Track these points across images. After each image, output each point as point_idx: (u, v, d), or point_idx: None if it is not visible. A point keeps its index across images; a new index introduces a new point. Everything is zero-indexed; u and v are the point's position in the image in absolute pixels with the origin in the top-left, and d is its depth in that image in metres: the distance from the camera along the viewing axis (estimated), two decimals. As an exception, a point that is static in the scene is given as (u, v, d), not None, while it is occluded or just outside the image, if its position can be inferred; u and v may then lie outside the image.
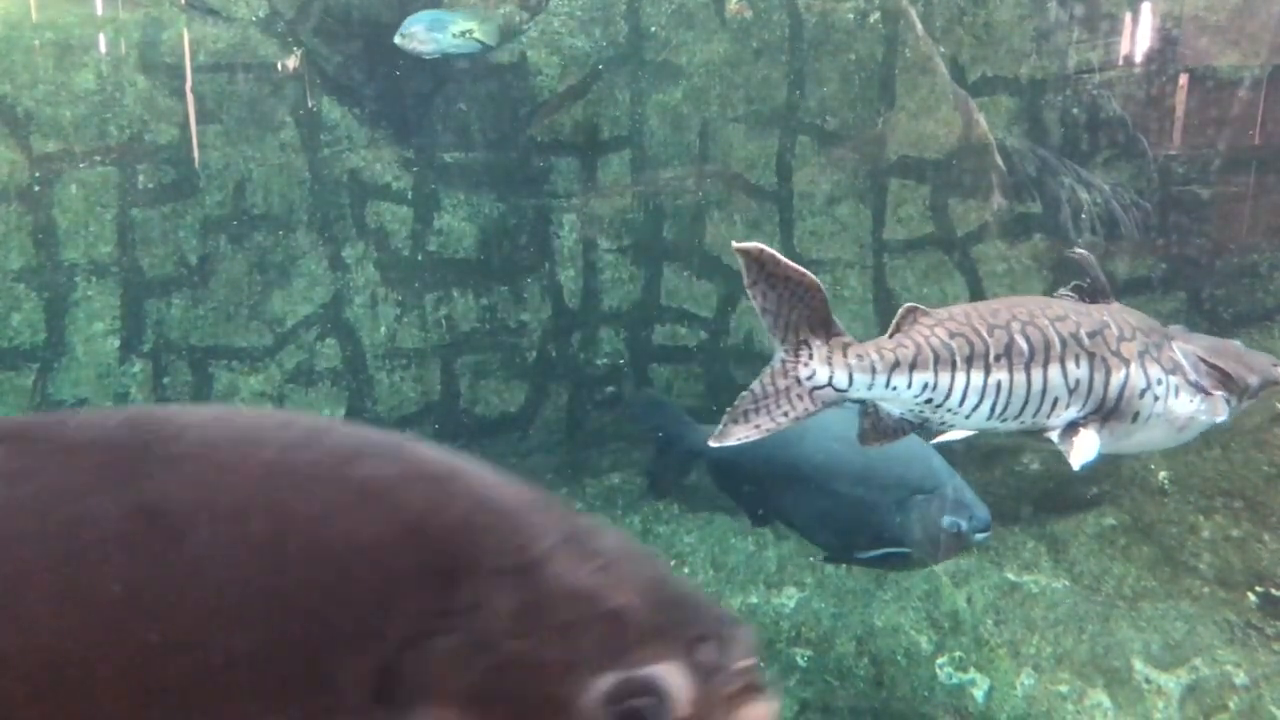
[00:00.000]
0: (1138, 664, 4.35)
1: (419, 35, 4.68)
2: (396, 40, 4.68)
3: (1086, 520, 4.96)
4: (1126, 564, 4.80)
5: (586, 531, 1.01)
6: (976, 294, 4.96)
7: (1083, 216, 5.00)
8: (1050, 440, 2.89)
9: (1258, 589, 4.56)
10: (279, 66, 4.94)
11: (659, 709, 0.92)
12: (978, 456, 4.83)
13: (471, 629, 0.92)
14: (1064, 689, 4.30)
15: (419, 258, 5.06)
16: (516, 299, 5.12)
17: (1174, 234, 5.13)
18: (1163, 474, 4.92)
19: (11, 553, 0.93)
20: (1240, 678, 4.27)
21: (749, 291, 2.57)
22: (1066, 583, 4.76)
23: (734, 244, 2.54)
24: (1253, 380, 3.06)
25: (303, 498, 0.96)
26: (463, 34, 4.71)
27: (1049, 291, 4.79)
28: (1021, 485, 4.98)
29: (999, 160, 4.99)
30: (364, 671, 0.90)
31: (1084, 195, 5.01)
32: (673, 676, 0.93)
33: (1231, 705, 4.21)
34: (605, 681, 0.92)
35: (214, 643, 0.90)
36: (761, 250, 2.51)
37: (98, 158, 4.74)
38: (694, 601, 1.00)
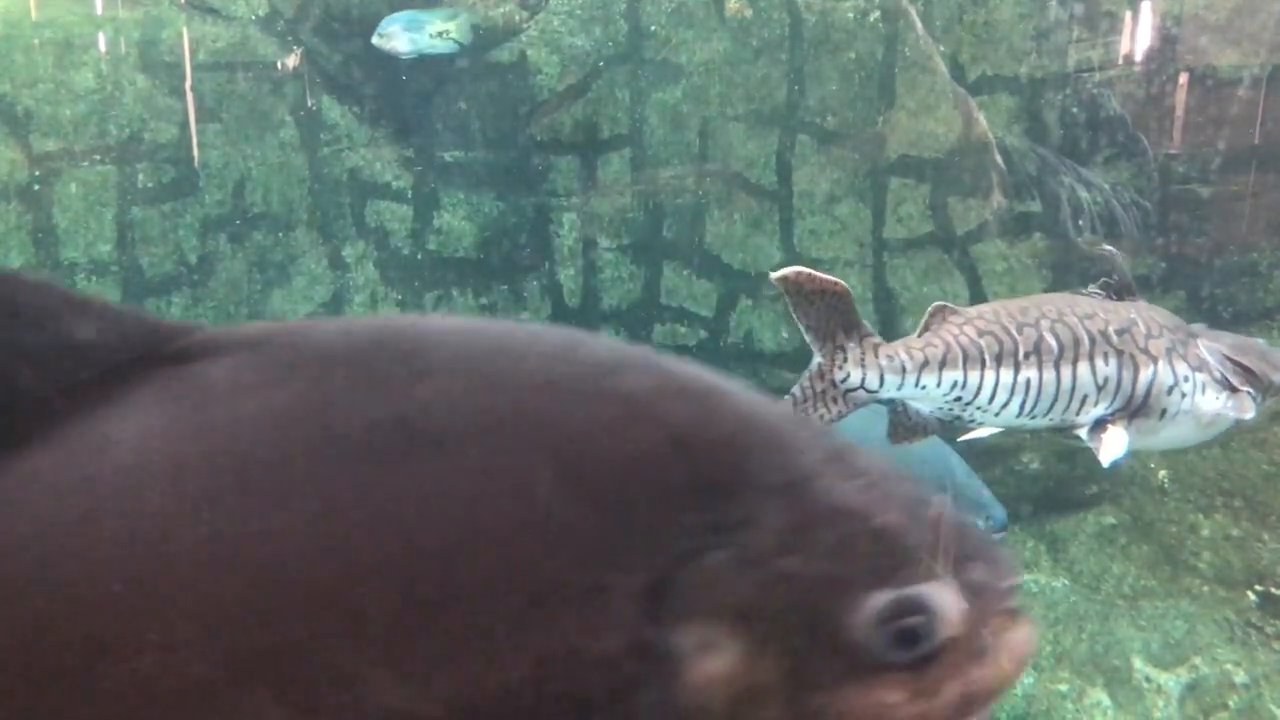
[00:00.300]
0: (1137, 663, 4.36)
1: (396, 35, 4.68)
2: (374, 40, 4.69)
3: (1086, 519, 4.96)
4: (1126, 563, 4.81)
5: (847, 449, 0.98)
6: (976, 293, 4.96)
7: (1082, 216, 5.00)
8: (1079, 437, 2.91)
9: (1257, 588, 4.56)
10: (279, 65, 4.94)
11: (930, 627, 0.90)
12: (978, 455, 4.83)
13: (741, 546, 0.89)
14: (1064, 688, 4.30)
15: (419, 257, 5.07)
16: (516, 298, 5.12)
17: (1174, 233, 5.13)
18: (1162, 473, 4.93)
19: (260, 467, 0.90)
20: (1240, 676, 4.28)
21: (793, 315, 2.64)
22: (1066, 582, 4.76)
23: (773, 275, 2.62)
24: (1276, 378, 3.08)
25: (567, 411, 0.92)
26: (439, 34, 4.71)
27: (1049, 289, 4.80)
28: (1021, 484, 4.99)
29: (999, 159, 4.99)
30: (634, 588, 0.87)
31: (1084, 194, 5.02)
32: (944, 595, 0.91)
33: (1231, 704, 4.21)
34: (877, 600, 0.89)
35: (480, 559, 0.87)
36: (798, 273, 2.59)
37: (97, 157, 4.74)
38: (958, 521, 0.98)
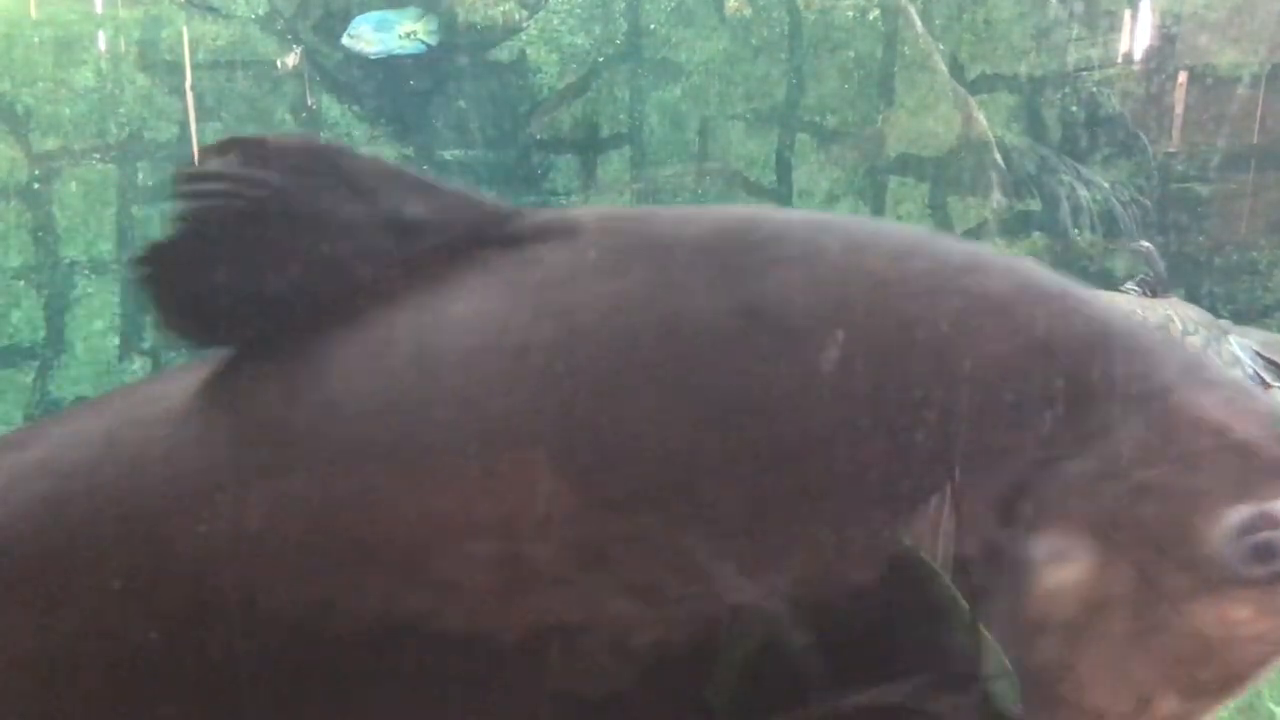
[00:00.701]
0: (1136, 661, 4.36)
1: (365, 35, 4.67)
2: (345, 41, 4.68)
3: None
4: (1125, 561, 4.81)
5: (1200, 362, 0.96)
6: (976, 291, 4.96)
7: (1082, 214, 5.00)
8: None
9: (1256, 586, 4.56)
10: (278, 64, 4.94)
11: None
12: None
13: (1100, 454, 0.86)
14: (1063, 686, 4.30)
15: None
16: (516, 296, 5.12)
17: (1173, 231, 5.13)
18: (1162, 471, 4.93)
19: (605, 354, 0.87)
20: (1239, 674, 4.28)
21: None
22: (1065, 580, 4.76)
23: None
24: None
25: (923, 307, 0.89)
26: (408, 34, 4.71)
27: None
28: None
29: (998, 158, 4.99)
30: (990, 492, 0.84)
31: (1083, 193, 5.02)
32: None
33: (1231, 702, 4.21)
34: (1236, 514, 0.87)
35: (828, 454, 0.84)
36: None
37: (97, 155, 4.74)
38: None
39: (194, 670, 0.87)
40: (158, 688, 0.88)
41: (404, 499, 0.86)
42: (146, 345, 4.81)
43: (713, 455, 0.85)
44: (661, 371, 0.87)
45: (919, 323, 0.88)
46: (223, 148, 0.93)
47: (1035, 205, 5.06)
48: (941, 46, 5.01)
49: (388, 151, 5.04)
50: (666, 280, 0.90)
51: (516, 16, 5.03)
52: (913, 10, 4.97)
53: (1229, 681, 0.91)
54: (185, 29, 4.79)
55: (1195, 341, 2.97)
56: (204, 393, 0.93)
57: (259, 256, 0.92)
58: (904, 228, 0.99)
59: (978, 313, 0.90)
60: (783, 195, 5.04)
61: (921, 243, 0.97)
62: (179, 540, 0.88)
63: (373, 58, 4.73)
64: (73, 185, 4.71)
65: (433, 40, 4.80)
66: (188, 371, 0.96)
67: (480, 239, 0.94)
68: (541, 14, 5.02)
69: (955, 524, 0.84)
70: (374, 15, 4.72)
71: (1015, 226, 5.06)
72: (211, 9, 4.86)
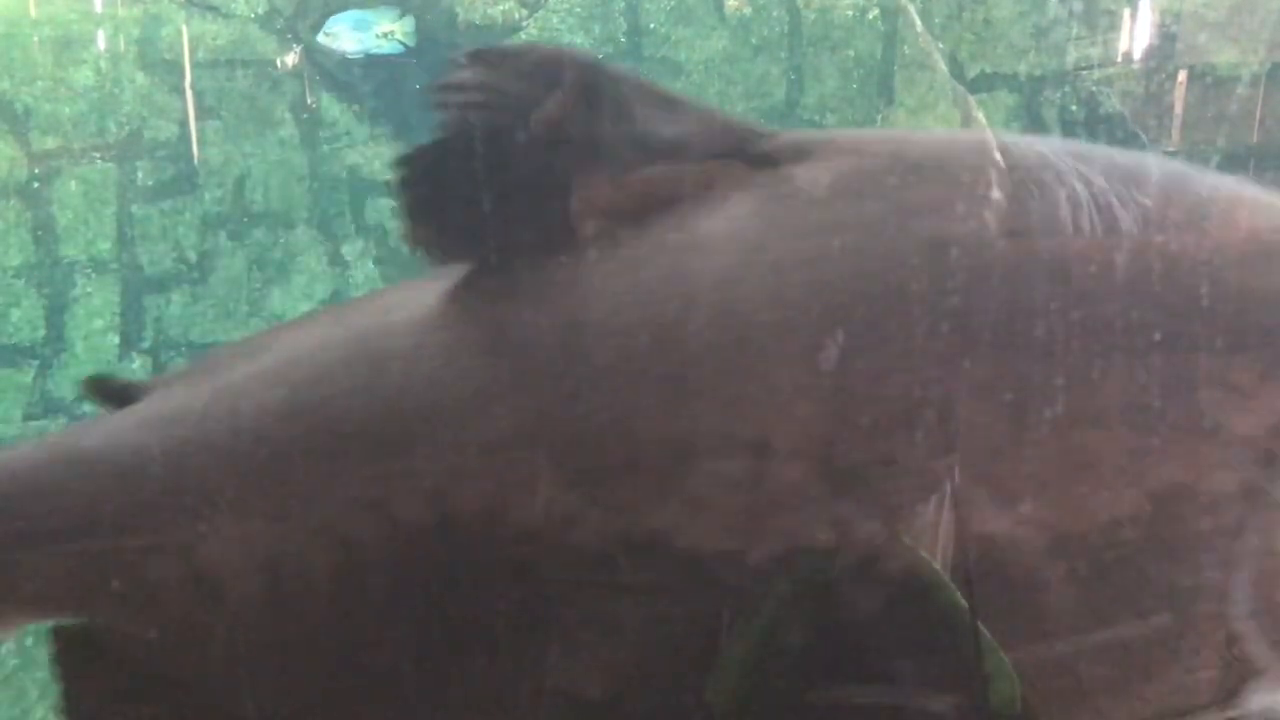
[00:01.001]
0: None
1: (342, 34, 4.66)
2: (320, 39, 4.67)
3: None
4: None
5: None
6: (975, 290, 4.96)
7: (1081, 213, 5.01)
8: None
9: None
10: (278, 63, 4.94)
11: None
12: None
13: None
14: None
15: (419, 254, 5.06)
16: (516, 295, 5.12)
17: (1172, 230, 5.13)
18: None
19: (866, 276, 0.86)
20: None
21: None
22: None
23: None
24: None
25: (1188, 239, 0.88)
26: (385, 35, 4.70)
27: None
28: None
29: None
30: (1253, 432, 0.83)
31: (1083, 192, 5.02)
32: None
33: None
34: None
35: (1089, 385, 0.83)
36: None
37: (97, 154, 4.74)
38: None
39: (432, 579, 0.86)
40: (396, 594, 0.87)
41: (656, 416, 0.85)
42: (146, 344, 4.81)
43: (973, 383, 0.83)
44: (923, 299, 0.85)
45: (1185, 255, 0.87)
46: (480, 56, 0.93)
47: (1035, 204, 5.07)
48: (941, 45, 5.01)
49: (388, 150, 5.04)
50: (925, 201, 0.89)
51: (516, 15, 5.02)
52: (912, 9, 4.96)
53: None
54: (185, 28, 4.79)
55: None
56: (450, 305, 0.94)
57: (510, 171, 0.92)
58: (1155, 159, 0.98)
59: (1241, 249, 0.88)
60: (782, 194, 5.04)
61: (1185, 173, 0.95)
62: (424, 450, 0.87)
63: (351, 56, 4.72)
64: (72, 184, 4.71)
65: (410, 41, 4.79)
66: (423, 284, 0.96)
67: (734, 157, 0.94)
68: (541, 13, 5.02)
69: (1215, 462, 0.83)
70: (350, 14, 4.71)
71: (1015, 225, 5.06)
72: (211, 8, 4.86)
